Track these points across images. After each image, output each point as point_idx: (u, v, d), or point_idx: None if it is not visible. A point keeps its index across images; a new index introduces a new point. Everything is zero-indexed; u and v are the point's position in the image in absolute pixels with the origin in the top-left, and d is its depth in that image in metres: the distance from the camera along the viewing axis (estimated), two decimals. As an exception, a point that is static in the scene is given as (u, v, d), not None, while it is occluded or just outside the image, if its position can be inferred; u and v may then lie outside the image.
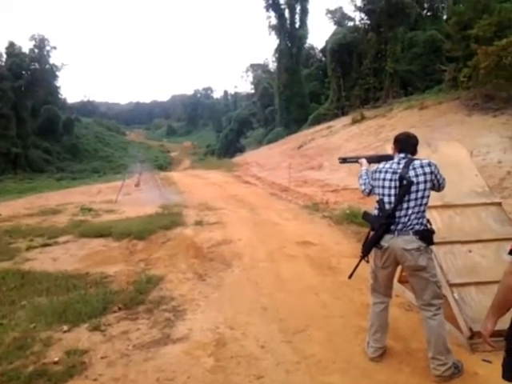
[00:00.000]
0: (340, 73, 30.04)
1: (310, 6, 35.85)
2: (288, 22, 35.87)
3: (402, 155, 3.16)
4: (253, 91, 53.42)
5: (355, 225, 7.59)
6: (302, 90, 35.66)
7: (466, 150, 4.79)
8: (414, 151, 3.22)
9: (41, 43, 51.47)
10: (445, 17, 27.63)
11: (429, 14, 31.20)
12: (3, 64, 45.73)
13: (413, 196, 3.01)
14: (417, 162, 3.09)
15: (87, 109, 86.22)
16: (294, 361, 3.36)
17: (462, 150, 4.82)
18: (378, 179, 3.16)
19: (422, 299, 3.12)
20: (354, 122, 22.65)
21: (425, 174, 3.04)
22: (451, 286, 3.65)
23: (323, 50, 37.11)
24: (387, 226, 3.04)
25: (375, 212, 3.18)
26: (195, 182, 17.18)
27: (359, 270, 5.37)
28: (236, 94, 75.96)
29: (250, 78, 57.89)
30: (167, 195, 12.47)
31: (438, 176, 3.13)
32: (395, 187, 3.06)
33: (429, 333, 3.09)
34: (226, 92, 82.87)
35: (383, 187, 3.12)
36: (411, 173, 3.04)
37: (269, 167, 20.51)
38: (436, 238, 3.95)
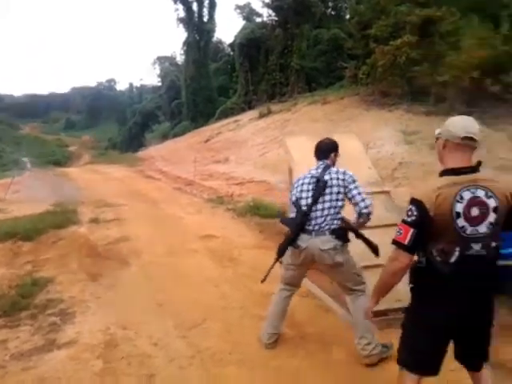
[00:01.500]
0: (248, 67, 30.22)
1: (219, 1, 35.67)
2: (196, 15, 35.26)
3: (321, 162, 3.33)
4: (159, 84, 51.95)
5: (258, 216, 7.64)
6: (209, 83, 35.36)
7: (360, 142, 4.98)
8: (326, 156, 3.35)
9: None
10: (347, 16, 28.95)
11: (333, 13, 32.53)
12: None
13: (327, 197, 3.14)
14: (333, 169, 3.26)
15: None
16: (189, 355, 3.25)
17: (357, 142, 5.00)
18: (298, 185, 3.29)
19: (345, 288, 3.26)
20: (261, 116, 22.92)
21: (338, 178, 3.18)
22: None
23: (232, 45, 37.12)
24: (302, 225, 3.14)
25: (292, 215, 3.26)
26: (94, 178, 16.26)
27: (260, 261, 5.44)
28: (142, 86, 73.45)
29: (157, 71, 56.26)
30: (62, 192, 11.63)
31: (352, 187, 3.16)
32: (312, 189, 3.19)
33: (355, 314, 3.19)
34: (131, 84, 79.59)
35: (301, 191, 3.23)
36: (327, 176, 3.19)
37: (174, 161, 20.07)
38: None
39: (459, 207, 1.96)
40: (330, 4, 32.13)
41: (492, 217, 1.98)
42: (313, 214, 3.14)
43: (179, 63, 46.73)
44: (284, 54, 27.94)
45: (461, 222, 1.96)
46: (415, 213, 1.98)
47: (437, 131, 2.20)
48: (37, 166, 24.67)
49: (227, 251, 5.76)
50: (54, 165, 34.88)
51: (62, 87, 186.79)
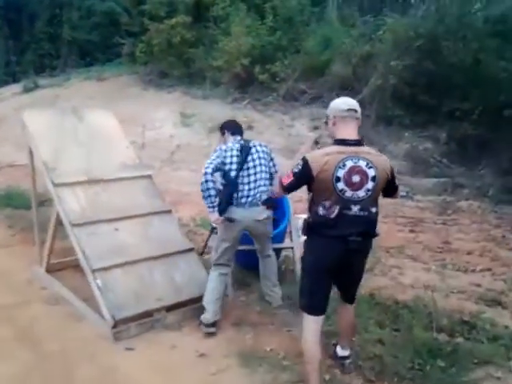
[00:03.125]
0: (8, 33, 26.00)
1: None
2: None
3: (238, 137, 3.40)
4: None
5: (10, 208, 6.43)
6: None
7: (115, 119, 4.42)
8: (242, 133, 3.51)
9: None
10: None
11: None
12: None
13: (258, 169, 3.26)
14: (251, 143, 3.36)
15: None
16: None
17: (111, 119, 4.43)
18: (225, 159, 3.23)
19: (263, 252, 3.58)
20: (27, 90, 20.12)
21: (263, 151, 3.35)
22: (94, 271, 3.23)
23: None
24: (231, 194, 3.20)
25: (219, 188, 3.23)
26: None
27: (3, 261, 4.46)
28: None
29: None
30: None
31: (272, 156, 3.46)
32: (237, 156, 3.23)
33: (265, 268, 3.61)
34: None
35: (231, 163, 3.22)
36: (253, 149, 3.31)
37: None
38: (80, 219, 3.51)
39: (340, 172, 2.28)
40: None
41: (370, 184, 2.31)
42: (245, 187, 3.23)
43: None
44: (53, 23, 24.98)
45: (340, 185, 2.28)
46: (300, 167, 2.34)
47: (325, 118, 2.53)
48: None
49: (-44, 256, 4.55)
50: None
51: None
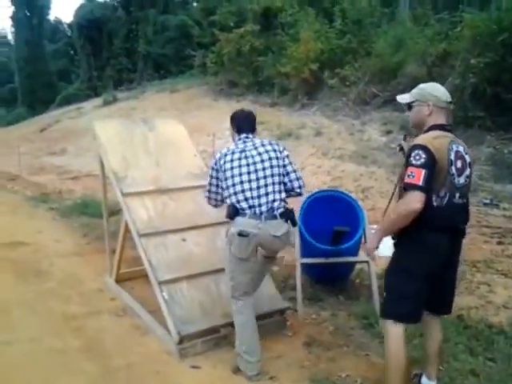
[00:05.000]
0: (90, 51, 27.81)
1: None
2: (24, -13, 31.23)
3: (243, 135, 2.85)
4: (-11, 65, 45.24)
5: (86, 216, 6.65)
6: (47, 66, 31.67)
7: (184, 128, 4.38)
8: (253, 128, 2.93)
9: None
10: (195, 4, 28.41)
11: (179, -1, 31.68)
12: None
13: (268, 172, 2.69)
14: (258, 141, 2.83)
15: None
16: None
17: (180, 128, 4.40)
18: (225, 165, 2.74)
19: (260, 279, 2.98)
20: (106, 103, 21.31)
21: (267, 151, 2.76)
22: (161, 284, 3.14)
23: (71, 25, 33.82)
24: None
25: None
26: None
27: (75, 272, 4.55)
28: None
29: (-15, 50, 48.86)
30: None
31: (287, 162, 2.81)
32: (247, 172, 2.69)
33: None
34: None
35: (233, 175, 2.71)
36: (254, 152, 2.75)
37: (0, 153, 17.35)
38: (147, 229, 3.45)
39: (452, 155, 2.13)
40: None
41: (468, 171, 2.21)
42: (254, 193, 2.66)
43: (11, 43, 41.14)
44: (129, 38, 26.43)
45: (453, 169, 2.13)
46: (423, 155, 2.06)
47: (408, 98, 2.31)
48: None
49: (35, 262, 4.72)
50: None
51: None
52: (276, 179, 2.71)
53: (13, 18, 31.20)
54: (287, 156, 2.85)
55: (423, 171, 2.04)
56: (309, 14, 12.48)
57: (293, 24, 12.94)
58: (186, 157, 4.13)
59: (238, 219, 2.65)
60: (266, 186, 2.68)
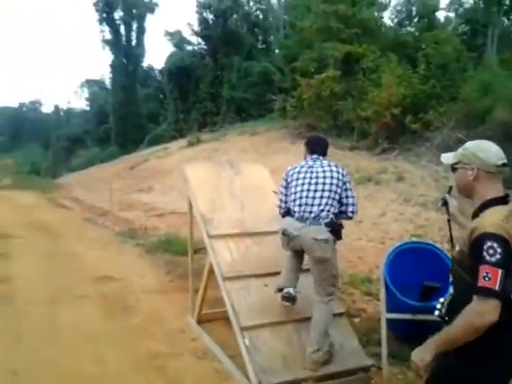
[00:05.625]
0: (178, 95, 29.73)
1: (149, 26, 35.17)
2: (124, 38, 34.48)
3: (315, 156, 3.26)
4: (88, 108, 49.88)
5: (169, 254, 6.92)
6: (138, 109, 34.34)
7: (267, 172, 4.49)
8: (324, 152, 3.34)
9: None
10: (277, 51, 29.58)
11: (263, 46, 33.16)
12: None
13: (327, 187, 3.06)
14: (325, 162, 3.22)
15: None
16: None
17: (265, 173, 4.52)
18: (292, 176, 3.21)
19: (319, 287, 3.10)
20: (190, 144, 22.43)
21: (338, 172, 3.14)
22: (243, 329, 3.15)
23: (162, 71, 36.55)
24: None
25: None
26: (-2, 206, 14.63)
27: (158, 310, 4.71)
28: (69, 109, 69.89)
29: (86, 94, 54.11)
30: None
31: (348, 186, 3.19)
32: (309, 182, 3.11)
33: (317, 321, 3.04)
34: (57, 107, 75.27)
35: (297, 179, 3.16)
36: (320, 169, 3.15)
37: (94, 189, 18.76)
38: (231, 272, 3.52)
39: None
40: (260, 37, 32.75)
41: None
42: (309, 201, 3.05)
43: (108, 87, 45.22)
44: (214, 83, 27.87)
45: None
46: (498, 250, 1.61)
47: (452, 159, 1.93)
48: None
49: (122, 297, 4.97)
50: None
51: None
52: (331, 195, 3.06)
53: (112, 65, 34.45)
54: (349, 182, 3.22)
55: (500, 271, 1.61)
56: (391, 60, 12.44)
57: (374, 69, 12.95)
58: (269, 201, 4.18)
59: (287, 218, 3.13)
60: (320, 197, 3.04)
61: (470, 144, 1.90)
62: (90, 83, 52.33)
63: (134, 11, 34.05)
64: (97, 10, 33.41)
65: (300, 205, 3.06)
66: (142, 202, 14.05)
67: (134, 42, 34.53)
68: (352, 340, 3.31)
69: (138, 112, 34.20)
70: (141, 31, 34.63)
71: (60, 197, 17.26)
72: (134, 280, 5.65)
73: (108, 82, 44.66)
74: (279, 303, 3.39)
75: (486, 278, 1.62)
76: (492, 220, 1.70)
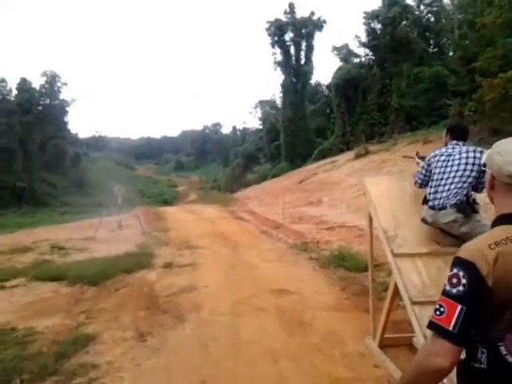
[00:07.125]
0: (345, 108, 29.68)
1: (317, 43, 36.08)
2: (293, 58, 36.02)
3: (455, 142, 3.37)
4: (261, 127, 53.35)
5: (343, 269, 6.69)
6: (306, 124, 35.32)
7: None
8: (466, 139, 3.44)
9: (52, 79, 52.67)
10: (451, 53, 27.36)
11: (435, 50, 31.06)
12: (13, 99, 46.40)
13: (459, 173, 3.16)
14: (464, 148, 3.28)
15: (98, 144, 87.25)
16: None
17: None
18: (433, 163, 3.37)
19: None
20: (358, 156, 22.06)
21: (474, 157, 3.16)
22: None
23: (329, 86, 37.00)
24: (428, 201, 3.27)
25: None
26: (187, 218, 16.36)
27: (335, 330, 4.51)
28: (244, 129, 75.86)
29: (259, 114, 58.00)
30: (151, 232, 11.69)
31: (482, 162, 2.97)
32: (443, 160, 3.28)
33: None
34: (234, 128, 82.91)
35: (436, 167, 3.31)
36: (457, 156, 3.23)
37: (267, 202, 19.72)
38: (421, 296, 3.13)
39: None
40: (432, 41, 30.70)
41: None
42: (440, 188, 3.21)
43: (279, 106, 47.64)
44: (382, 93, 27.04)
45: None
46: (463, 280, 1.26)
47: (484, 157, 1.58)
48: (138, 203, 26.03)
49: (298, 312, 4.91)
50: (162, 204, 36.87)
51: (173, 131, 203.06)
52: (463, 179, 3.13)
53: (282, 84, 36.21)
54: (485, 164, 2.70)
55: (458, 308, 1.24)
56: None
57: None
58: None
59: (424, 207, 3.32)
60: (451, 183, 3.16)
61: (499, 142, 1.48)
62: (262, 104, 55.95)
63: (303, 31, 35.35)
64: (269, 35, 35.66)
65: (435, 192, 3.24)
66: (310, 215, 14.17)
67: (302, 61, 35.83)
68: None
69: (306, 127, 35.18)
70: (309, 49, 35.76)
71: (239, 210, 18.55)
72: (309, 294, 5.57)
73: (279, 102, 47.14)
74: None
75: (438, 312, 1.28)
76: (476, 244, 1.31)
